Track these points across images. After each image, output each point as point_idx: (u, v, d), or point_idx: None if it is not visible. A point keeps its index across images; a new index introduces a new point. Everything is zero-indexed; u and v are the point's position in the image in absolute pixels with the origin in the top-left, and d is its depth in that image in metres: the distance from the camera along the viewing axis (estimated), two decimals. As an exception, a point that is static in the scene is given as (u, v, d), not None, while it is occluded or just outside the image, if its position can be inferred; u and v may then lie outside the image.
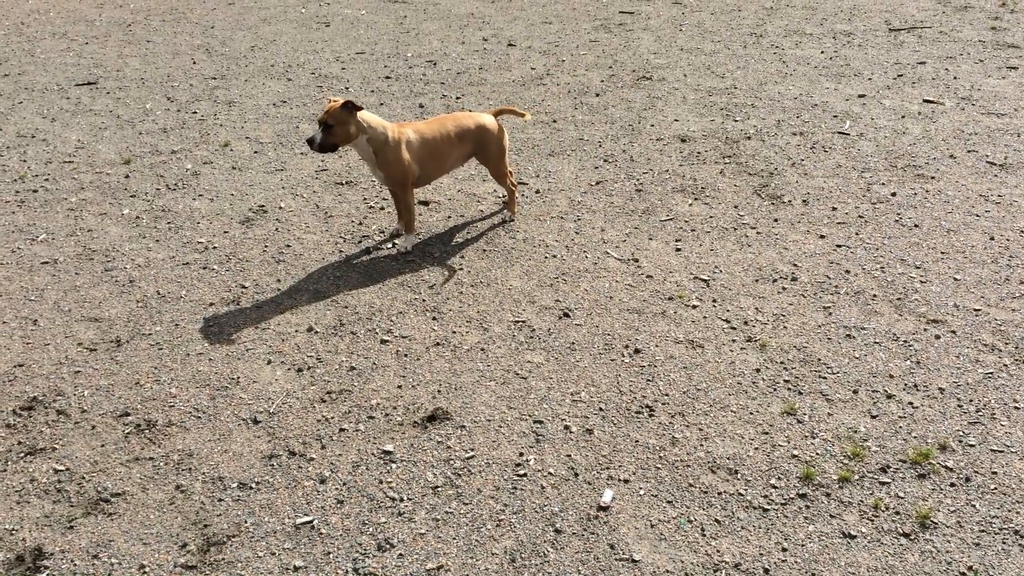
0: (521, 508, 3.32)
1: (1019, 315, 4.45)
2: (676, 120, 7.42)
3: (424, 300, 4.76)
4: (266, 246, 5.36)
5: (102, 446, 3.69)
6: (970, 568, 3.01)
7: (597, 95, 8.11)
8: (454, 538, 3.19)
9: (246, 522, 3.27)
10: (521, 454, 3.61)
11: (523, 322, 4.54)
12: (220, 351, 4.31)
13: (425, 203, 5.93)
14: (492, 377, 4.10)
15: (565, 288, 4.86)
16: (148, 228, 5.62)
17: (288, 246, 5.36)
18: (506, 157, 5.43)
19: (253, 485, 3.45)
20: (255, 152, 6.87)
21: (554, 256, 5.22)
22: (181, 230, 5.59)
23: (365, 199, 6.00)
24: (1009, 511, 3.24)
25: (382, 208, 5.86)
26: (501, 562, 3.08)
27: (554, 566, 3.06)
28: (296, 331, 4.47)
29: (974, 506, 3.28)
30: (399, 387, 4.04)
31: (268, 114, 7.75)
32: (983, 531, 3.17)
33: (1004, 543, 3.11)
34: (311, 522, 3.27)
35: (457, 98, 8.05)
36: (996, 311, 4.49)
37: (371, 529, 3.24)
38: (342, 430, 3.76)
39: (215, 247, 5.36)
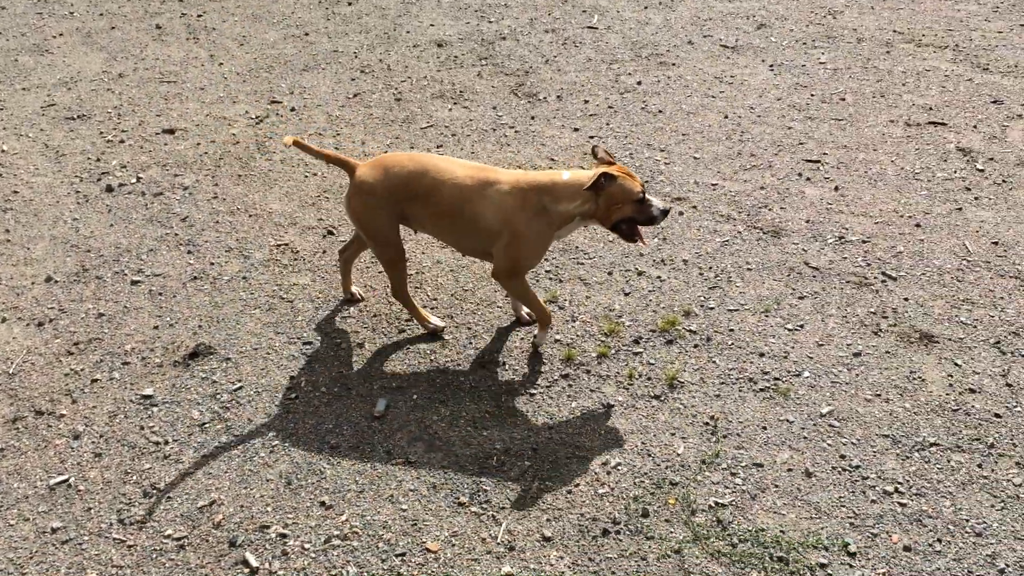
0: (294, 431, 3.29)
1: (750, 185, 4.84)
2: (432, 25, 7.31)
3: (177, 234, 4.49)
4: (-11, 195, 4.84)
5: None
6: (712, 417, 3.31)
7: (349, 4, 7.82)
8: (226, 471, 3.11)
9: (-8, 493, 3.03)
10: (292, 377, 3.55)
11: (286, 245, 4.41)
12: (-56, 316, 3.89)
13: (171, 131, 5.53)
14: (257, 305, 3.98)
15: (328, 206, 4.75)
16: None
17: (16, 192, 4.86)
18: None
19: (-3, 453, 3.19)
20: (-34, 92, 6.12)
21: (315, 174, 5.07)
22: None
23: (102, 133, 5.52)
24: (744, 362, 3.58)
25: (122, 141, 5.41)
26: (276, 487, 3.05)
27: (331, 481, 3.07)
28: (32, 283, 4.10)
29: (715, 362, 3.60)
30: (155, 328, 3.83)
31: (-21, 48, 6.89)
32: (723, 383, 3.49)
33: (740, 391, 3.44)
34: (67, 480, 3.08)
35: (198, 16, 7.49)
36: (731, 184, 4.86)
37: (135, 477, 3.09)
38: (94, 381, 3.53)
39: (-73, 202, 4.77)
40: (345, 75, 6.38)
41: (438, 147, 5.32)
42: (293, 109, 5.85)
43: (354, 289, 4.03)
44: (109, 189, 4.89)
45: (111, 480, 3.08)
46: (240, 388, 3.49)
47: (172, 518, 2.94)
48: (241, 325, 3.84)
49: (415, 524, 2.91)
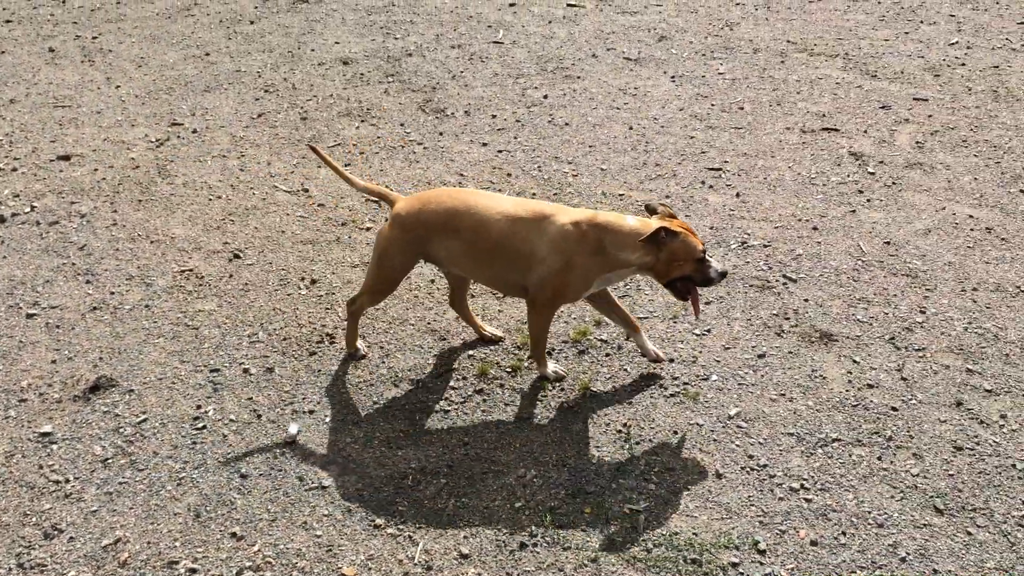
0: (203, 462, 3.20)
1: (656, 194, 4.94)
2: (337, 43, 7.27)
3: (74, 264, 4.34)
4: None
5: None
6: (625, 425, 3.36)
7: (252, 22, 7.71)
8: (131, 507, 3.01)
9: None
10: (199, 407, 3.46)
11: (190, 271, 4.30)
12: None
13: (66, 157, 5.35)
14: (160, 333, 3.87)
15: (233, 229, 4.66)
16: None
17: (-102, 226, 4.63)
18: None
19: None
20: None
21: (219, 197, 4.97)
22: None
23: (-8, 161, 5.31)
24: (654, 369, 3.65)
25: (14, 170, 5.20)
26: (185, 520, 2.96)
27: (241, 511, 3.00)
28: (-82, 321, 3.91)
29: (626, 370, 3.65)
30: (53, 362, 3.68)
31: None
32: (634, 391, 3.54)
33: (652, 397, 3.50)
34: (-41, 528, 2.93)
35: (94, 38, 7.27)
36: (637, 193, 4.95)
37: (35, 519, 2.97)
38: (-12, 421, 3.38)
39: None
40: (249, 95, 6.28)
41: (346, 166, 5.27)
42: (195, 131, 5.73)
43: (491, 330, 3.86)
44: (1, 220, 4.69)
45: (9, 523, 2.95)
46: (144, 420, 3.39)
47: (75, 559, 2.83)
48: (144, 355, 3.73)
49: (330, 550, 2.87)
